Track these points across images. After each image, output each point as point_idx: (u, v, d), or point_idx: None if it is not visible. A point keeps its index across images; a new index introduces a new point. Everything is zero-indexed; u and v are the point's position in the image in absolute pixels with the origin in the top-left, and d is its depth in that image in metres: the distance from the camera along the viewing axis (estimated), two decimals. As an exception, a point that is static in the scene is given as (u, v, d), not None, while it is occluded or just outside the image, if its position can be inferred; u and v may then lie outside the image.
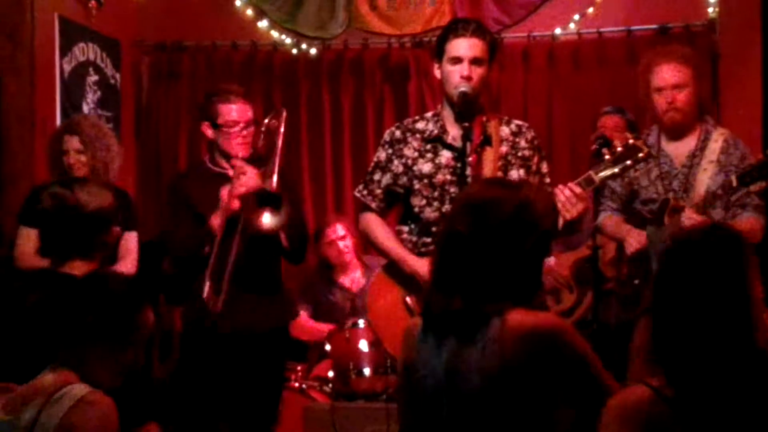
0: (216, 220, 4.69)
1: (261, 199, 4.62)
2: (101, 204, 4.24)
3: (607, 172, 4.09)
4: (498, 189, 2.84)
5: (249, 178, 4.65)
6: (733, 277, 2.43)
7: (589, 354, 2.65)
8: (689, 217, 4.52)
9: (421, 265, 4.16)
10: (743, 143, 4.80)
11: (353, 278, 6.45)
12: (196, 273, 4.73)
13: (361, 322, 5.68)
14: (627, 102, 6.24)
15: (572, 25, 6.97)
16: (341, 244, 6.46)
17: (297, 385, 5.85)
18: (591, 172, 4.09)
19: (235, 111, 4.84)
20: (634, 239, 4.73)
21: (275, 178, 4.58)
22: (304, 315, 6.42)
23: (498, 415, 2.67)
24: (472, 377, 2.71)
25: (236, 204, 4.64)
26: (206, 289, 4.61)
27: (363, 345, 5.66)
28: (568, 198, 3.98)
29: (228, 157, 4.86)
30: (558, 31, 6.98)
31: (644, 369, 2.61)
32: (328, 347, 5.92)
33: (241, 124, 4.84)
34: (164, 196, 5.48)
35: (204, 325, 4.72)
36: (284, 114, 4.78)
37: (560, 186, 4.05)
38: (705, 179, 4.66)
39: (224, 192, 4.69)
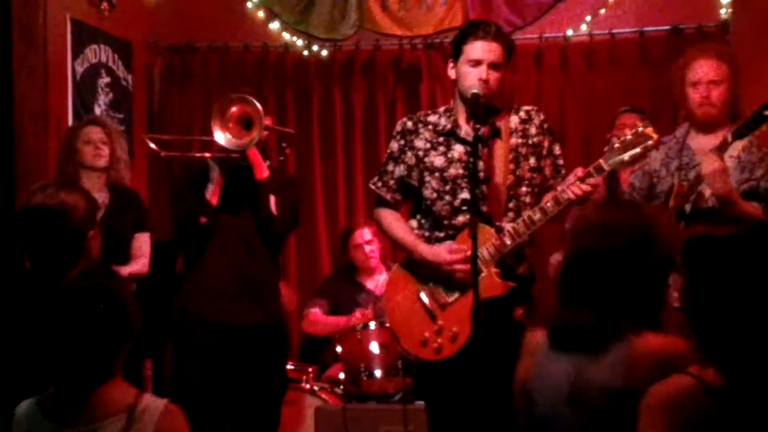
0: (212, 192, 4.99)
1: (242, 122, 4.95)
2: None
3: (617, 159, 4.08)
4: (625, 212, 2.89)
5: None
6: (753, 271, 2.42)
7: None
8: (708, 156, 4.49)
9: (431, 252, 4.19)
10: (760, 149, 4.79)
11: (378, 282, 6.44)
12: (195, 244, 4.94)
13: (372, 324, 5.69)
14: (640, 102, 6.26)
15: (584, 27, 6.97)
16: (368, 248, 6.45)
17: (308, 386, 5.86)
18: (601, 160, 4.09)
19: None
20: None
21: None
22: (317, 311, 6.40)
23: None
24: (595, 394, 2.73)
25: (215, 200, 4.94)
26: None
27: (374, 347, 5.67)
28: (586, 191, 4.01)
29: None
30: (570, 32, 6.98)
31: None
32: (339, 349, 5.92)
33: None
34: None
35: (192, 311, 4.87)
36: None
37: (572, 184, 4.05)
38: None
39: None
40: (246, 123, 4.89)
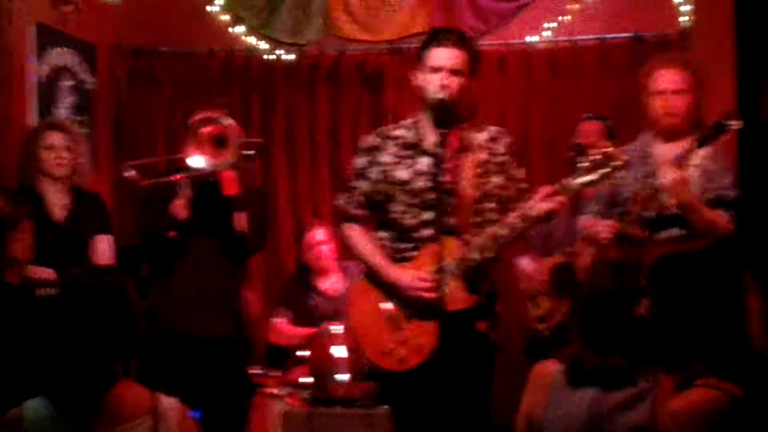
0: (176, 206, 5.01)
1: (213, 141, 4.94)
2: None
3: (584, 180, 4.12)
4: (640, 249, 2.92)
5: None
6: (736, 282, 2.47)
7: None
8: (667, 168, 4.54)
9: (400, 275, 4.20)
10: (724, 158, 4.85)
11: (332, 283, 6.46)
12: (163, 256, 4.92)
13: (339, 329, 5.70)
14: (602, 109, 6.30)
15: (548, 33, 7.02)
16: (322, 248, 6.46)
17: (274, 391, 5.86)
18: (569, 179, 4.13)
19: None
20: (603, 227, 4.76)
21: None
22: (282, 321, 6.42)
23: None
24: (618, 428, 2.77)
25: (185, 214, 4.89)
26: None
27: (341, 351, 5.68)
28: (555, 208, 4.07)
29: None
30: (534, 38, 7.02)
31: None
32: (306, 353, 5.93)
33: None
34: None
35: (162, 321, 4.89)
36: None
37: (539, 199, 4.10)
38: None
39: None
40: (219, 141, 4.87)
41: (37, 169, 5.35)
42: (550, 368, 2.96)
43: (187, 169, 4.99)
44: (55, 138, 5.34)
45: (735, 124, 4.49)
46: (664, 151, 4.86)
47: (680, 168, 4.57)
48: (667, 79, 4.81)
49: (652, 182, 4.77)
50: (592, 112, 6.10)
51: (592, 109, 6.30)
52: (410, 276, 4.18)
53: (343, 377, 5.65)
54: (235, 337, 5.08)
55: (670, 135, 4.85)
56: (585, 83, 6.91)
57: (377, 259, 4.31)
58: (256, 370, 6.08)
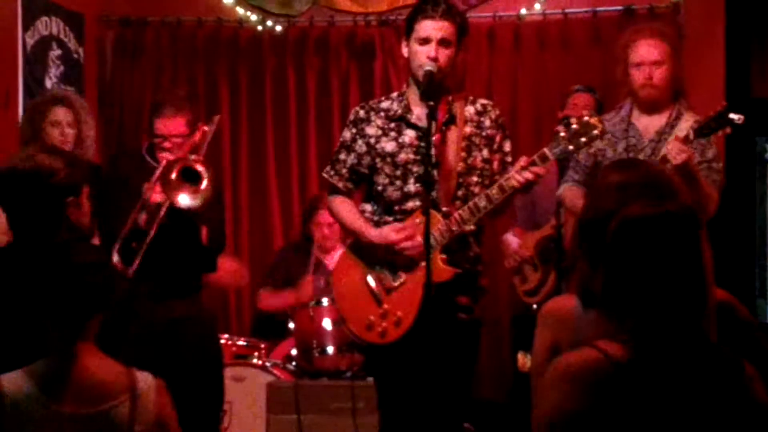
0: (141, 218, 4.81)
1: (184, 176, 4.68)
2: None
3: (561, 149, 4.12)
4: (640, 170, 2.90)
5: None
6: (688, 253, 2.46)
7: None
8: (677, 146, 4.52)
9: (378, 233, 4.21)
10: None
11: (334, 259, 6.43)
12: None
13: (325, 301, 5.70)
14: (592, 82, 6.27)
15: (538, 6, 6.98)
16: (327, 231, 6.45)
17: (260, 362, 5.87)
18: (545, 149, 4.12)
19: (162, 124, 4.96)
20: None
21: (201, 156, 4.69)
22: (264, 294, 6.41)
23: None
24: None
25: (156, 197, 4.71)
26: (115, 256, 4.73)
27: (327, 323, 5.68)
28: (529, 179, 4.04)
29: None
30: (523, 11, 6.99)
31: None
32: (291, 325, 5.93)
33: (169, 137, 4.94)
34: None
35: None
36: (217, 118, 4.86)
37: (516, 171, 4.08)
38: None
39: (145, 186, 4.78)
40: (190, 174, 4.77)
41: (41, 142, 5.34)
42: (568, 303, 2.94)
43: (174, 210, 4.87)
44: (60, 113, 5.33)
45: (738, 119, 4.47)
46: (647, 123, 4.86)
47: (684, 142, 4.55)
48: (644, 51, 4.80)
49: (639, 156, 4.76)
50: (581, 85, 6.08)
51: (581, 82, 6.28)
52: (389, 229, 4.19)
53: (329, 349, 5.66)
54: (199, 317, 4.99)
55: (650, 107, 4.85)
56: (575, 56, 6.90)
57: (359, 222, 4.30)
58: (241, 342, 6.08)
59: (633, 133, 4.85)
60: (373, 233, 4.23)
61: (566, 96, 5.97)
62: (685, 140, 4.53)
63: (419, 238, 4.06)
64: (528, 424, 3.08)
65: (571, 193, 4.95)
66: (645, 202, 2.59)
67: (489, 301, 6.49)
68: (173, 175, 4.70)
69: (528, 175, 4.04)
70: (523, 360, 5.48)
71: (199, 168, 4.70)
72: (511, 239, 5.96)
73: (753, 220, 6.86)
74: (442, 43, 4.17)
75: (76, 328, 2.89)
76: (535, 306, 5.62)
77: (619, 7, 6.84)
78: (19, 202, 3.53)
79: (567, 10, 6.93)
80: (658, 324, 2.42)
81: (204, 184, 4.68)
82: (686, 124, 4.74)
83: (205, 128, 4.91)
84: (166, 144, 4.92)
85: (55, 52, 6.65)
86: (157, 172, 4.73)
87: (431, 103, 4.04)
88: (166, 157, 4.80)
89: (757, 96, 6.76)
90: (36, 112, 5.43)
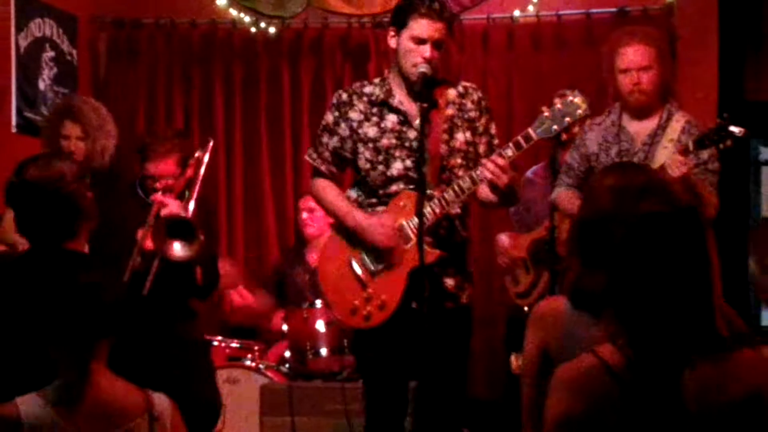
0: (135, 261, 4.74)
1: (175, 227, 4.64)
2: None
3: (546, 127, 4.12)
4: (639, 174, 2.92)
5: (169, 207, 4.70)
6: (695, 254, 2.45)
7: None
8: (677, 159, 4.52)
9: (363, 218, 4.22)
10: (702, 127, 4.84)
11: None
12: None
13: (318, 303, 5.69)
14: (586, 84, 6.25)
15: (531, 8, 6.99)
16: (305, 215, 6.47)
17: (254, 364, 5.86)
18: (530, 129, 4.13)
19: (153, 167, 4.93)
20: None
21: (192, 205, 4.62)
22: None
23: None
24: None
25: (150, 245, 4.66)
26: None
27: (320, 325, 5.68)
28: (493, 170, 4.00)
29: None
30: (517, 13, 6.99)
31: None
32: (285, 327, 5.92)
33: (160, 178, 4.90)
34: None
35: None
36: (211, 144, 4.80)
37: (484, 160, 4.08)
38: (663, 157, 4.69)
39: (140, 232, 4.72)
40: (177, 227, 4.74)
41: (59, 153, 5.42)
42: (558, 304, 2.94)
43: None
44: (69, 128, 5.38)
45: (739, 132, 4.47)
46: (638, 128, 4.87)
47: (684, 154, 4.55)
48: (631, 57, 4.80)
49: (632, 161, 4.77)
50: (568, 88, 6.07)
51: (575, 83, 6.27)
52: (373, 220, 4.21)
53: (323, 351, 5.65)
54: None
55: (640, 112, 4.86)
56: (568, 58, 6.89)
57: (342, 206, 4.33)
58: (234, 344, 6.08)
59: (625, 138, 4.85)
60: (357, 218, 4.24)
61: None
62: (685, 151, 4.54)
63: (395, 231, 4.14)
64: (521, 425, 3.09)
65: (565, 196, 4.95)
66: (653, 200, 2.59)
67: (484, 302, 6.55)
68: (164, 231, 4.66)
69: (491, 177, 4.02)
70: (516, 362, 5.48)
71: (190, 221, 4.66)
72: (505, 239, 5.97)
73: (747, 223, 6.86)
74: (437, 44, 4.18)
75: (88, 349, 2.89)
76: (526, 308, 5.62)
77: (613, 9, 6.84)
78: (31, 208, 3.53)
79: (560, 12, 6.92)
80: (664, 325, 2.42)
81: (195, 237, 4.64)
82: (677, 125, 4.76)
83: (198, 155, 4.89)
84: (158, 184, 4.88)
85: (49, 53, 6.64)
86: (149, 220, 4.68)
87: (425, 105, 4.05)
88: (157, 199, 4.72)
89: (750, 98, 6.76)
90: (50, 126, 5.50)
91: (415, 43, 4.19)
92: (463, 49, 6.90)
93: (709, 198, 4.62)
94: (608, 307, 2.56)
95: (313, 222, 6.47)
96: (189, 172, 4.91)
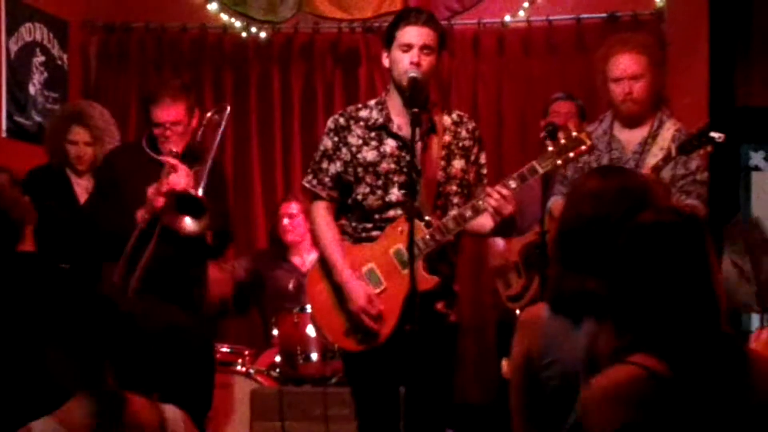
0: (141, 215, 4.78)
1: (184, 201, 4.64)
2: None
3: (550, 162, 4.12)
4: (620, 177, 2.92)
5: (178, 177, 4.71)
6: (698, 259, 2.47)
7: None
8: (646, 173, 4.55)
9: (354, 288, 4.19)
10: None
11: (304, 260, 6.43)
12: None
13: (309, 307, 5.68)
14: (576, 89, 6.31)
15: (522, 13, 7.00)
16: (286, 221, 6.45)
17: (244, 369, 5.84)
18: (534, 163, 4.12)
19: (160, 112, 4.92)
20: None
21: (203, 183, 4.62)
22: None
23: None
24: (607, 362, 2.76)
25: (161, 202, 4.70)
26: (117, 273, 4.73)
27: (310, 330, 5.66)
28: (498, 200, 4.01)
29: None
30: (508, 18, 7.00)
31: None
32: (275, 332, 5.91)
33: (167, 124, 4.92)
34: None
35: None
36: (227, 110, 4.80)
37: (489, 189, 4.09)
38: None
39: (151, 189, 4.75)
40: (186, 203, 4.74)
41: (63, 158, 5.56)
42: (537, 310, 2.94)
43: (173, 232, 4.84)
44: (77, 134, 5.41)
45: (719, 137, 4.49)
46: (629, 136, 4.88)
47: (654, 173, 4.57)
48: (623, 66, 4.81)
49: None
50: (562, 92, 6.10)
51: (565, 88, 6.30)
52: (361, 293, 4.17)
53: (313, 356, 5.64)
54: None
55: (632, 121, 4.87)
56: (559, 63, 6.91)
57: (335, 256, 4.25)
58: (225, 348, 6.06)
59: (616, 146, 4.87)
60: (347, 283, 4.20)
61: (548, 104, 5.98)
62: (668, 158, 4.56)
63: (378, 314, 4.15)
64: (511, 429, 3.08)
65: (559, 205, 4.95)
66: (656, 208, 2.60)
67: (474, 307, 6.55)
68: (173, 205, 4.67)
69: (496, 206, 4.02)
70: (507, 366, 5.47)
71: (199, 198, 4.66)
72: (499, 241, 5.96)
73: (737, 228, 6.87)
74: (425, 49, 4.18)
75: (100, 366, 2.86)
76: (518, 311, 5.61)
77: (603, 15, 6.86)
78: None
79: (551, 17, 6.94)
80: (684, 332, 2.42)
81: (204, 212, 4.65)
82: (668, 133, 4.77)
83: (210, 115, 4.88)
84: (168, 133, 4.90)
85: (39, 58, 6.64)
86: (162, 180, 4.69)
87: (416, 110, 4.04)
88: (169, 162, 4.74)
89: (741, 104, 6.77)
90: (56, 131, 5.51)
91: (402, 51, 4.19)
92: (453, 54, 6.91)
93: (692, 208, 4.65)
94: (611, 319, 2.56)
95: (294, 228, 6.45)
96: (194, 122, 4.91)
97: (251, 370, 5.82)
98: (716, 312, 2.47)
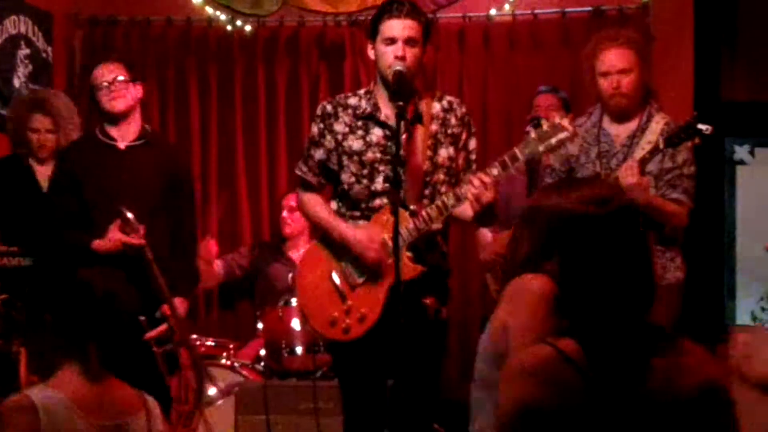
0: (98, 245, 4.83)
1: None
2: None
3: (532, 149, 4.13)
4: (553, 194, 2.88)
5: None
6: (637, 249, 2.48)
7: None
8: (630, 168, 4.56)
9: (351, 230, 4.23)
10: None
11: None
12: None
13: (294, 301, 5.68)
14: (562, 83, 6.33)
15: (507, 6, 6.99)
16: (285, 213, 6.48)
17: (228, 362, 5.85)
18: (516, 149, 4.14)
19: (101, 71, 5.01)
20: None
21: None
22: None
23: None
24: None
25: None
26: None
27: (295, 323, 5.67)
28: (478, 188, 4.02)
29: (111, 118, 5.01)
30: (493, 12, 7.00)
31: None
32: (260, 325, 5.91)
33: (107, 81, 4.96)
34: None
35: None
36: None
37: (470, 176, 4.10)
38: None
39: (116, 233, 4.79)
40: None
41: (25, 146, 5.54)
42: (536, 283, 2.95)
43: None
44: (38, 121, 5.41)
45: (706, 129, 4.50)
46: (618, 130, 4.89)
47: (639, 166, 4.58)
48: (611, 60, 4.83)
49: (611, 162, 4.80)
50: (547, 86, 6.10)
51: (551, 81, 6.31)
52: (361, 233, 4.22)
53: (298, 349, 5.64)
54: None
55: (621, 115, 4.88)
56: (544, 57, 6.90)
57: (329, 218, 4.33)
58: (210, 342, 6.07)
59: (605, 139, 4.87)
60: (344, 231, 4.25)
61: (533, 98, 5.99)
62: (655, 150, 4.57)
63: (382, 246, 4.14)
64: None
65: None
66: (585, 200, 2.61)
67: (459, 302, 6.55)
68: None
69: (474, 197, 4.04)
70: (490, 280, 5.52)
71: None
72: (488, 233, 5.96)
73: (722, 222, 6.89)
74: (409, 42, 4.18)
75: (82, 343, 3.09)
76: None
77: (588, 8, 6.85)
78: None
79: (536, 11, 6.93)
80: (606, 319, 2.44)
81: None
82: (657, 127, 4.78)
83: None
84: (105, 89, 4.95)
85: (24, 51, 6.61)
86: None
87: (401, 103, 4.04)
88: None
89: (725, 98, 6.79)
90: (18, 120, 5.49)
91: (387, 45, 4.20)
92: (438, 48, 6.90)
93: (671, 210, 4.67)
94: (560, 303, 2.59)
95: (293, 221, 6.49)
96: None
97: (236, 364, 5.82)
98: (646, 304, 2.47)
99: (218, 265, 6.62)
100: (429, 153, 4.26)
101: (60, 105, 5.56)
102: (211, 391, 4.85)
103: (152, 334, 4.77)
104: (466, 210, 4.16)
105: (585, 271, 2.46)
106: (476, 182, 4.03)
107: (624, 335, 2.43)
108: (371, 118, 4.29)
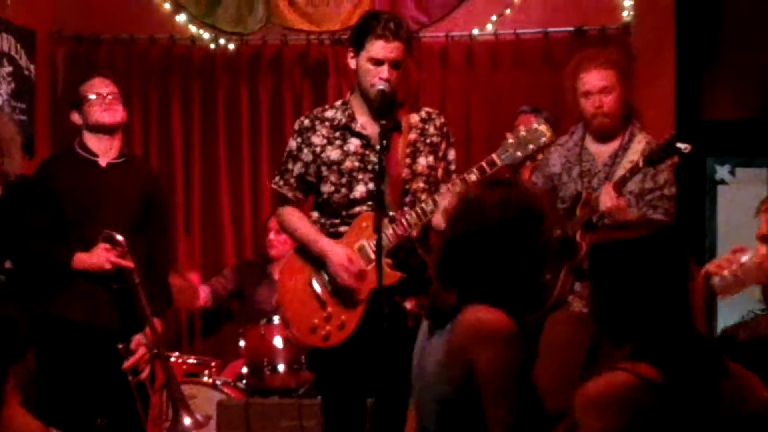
0: (82, 259, 4.79)
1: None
2: None
3: (510, 155, 4.15)
4: (482, 190, 2.91)
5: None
6: (678, 269, 2.53)
7: (502, 375, 2.68)
8: (607, 192, 4.58)
9: (331, 247, 4.24)
10: None
11: None
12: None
13: (276, 319, 5.68)
14: (544, 102, 6.35)
15: (490, 26, 7.03)
16: (272, 235, 6.48)
17: (210, 380, 5.83)
18: (494, 155, 4.17)
19: (94, 83, 5.03)
20: None
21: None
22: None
23: (440, 401, 2.77)
24: (429, 363, 2.83)
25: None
26: None
27: (277, 341, 5.66)
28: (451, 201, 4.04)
29: (99, 131, 4.99)
30: (476, 31, 7.03)
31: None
32: (242, 343, 5.91)
33: (102, 93, 4.98)
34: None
35: (57, 314, 4.78)
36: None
37: (447, 185, 4.13)
38: None
39: (104, 253, 4.75)
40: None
41: None
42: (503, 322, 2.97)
43: None
44: None
45: (685, 148, 4.53)
46: (601, 149, 4.90)
47: (615, 189, 4.60)
48: (592, 80, 4.85)
49: (593, 182, 4.81)
50: (529, 105, 6.13)
51: (533, 101, 6.33)
52: (341, 253, 4.22)
53: (280, 367, 5.64)
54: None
55: (603, 135, 4.90)
56: (526, 77, 6.94)
57: (309, 231, 4.34)
58: (192, 359, 6.05)
59: (587, 158, 4.89)
60: (324, 246, 4.26)
61: (515, 117, 6.03)
62: (635, 169, 4.59)
63: (359, 272, 4.19)
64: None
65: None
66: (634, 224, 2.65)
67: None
68: None
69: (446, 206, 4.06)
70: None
71: None
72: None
73: (703, 241, 6.90)
74: (395, 64, 4.21)
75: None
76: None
77: (570, 28, 6.89)
78: None
79: (519, 31, 6.97)
80: (672, 340, 2.47)
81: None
82: (639, 146, 4.80)
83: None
84: (99, 100, 4.97)
85: (6, 68, 6.60)
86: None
87: (383, 122, 4.06)
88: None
89: (707, 117, 6.81)
90: None
91: (372, 65, 4.22)
92: (421, 67, 6.93)
93: None
94: (605, 331, 2.60)
95: (279, 243, 6.47)
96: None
97: (218, 381, 5.81)
98: (692, 319, 2.51)
99: (204, 290, 6.59)
100: (408, 161, 4.30)
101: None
102: (187, 420, 4.77)
103: (129, 363, 4.74)
104: (441, 221, 4.17)
105: (645, 293, 2.47)
106: (448, 195, 4.06)
107: (697, 357, 2.45)
108: (347, 129, 4.33)
